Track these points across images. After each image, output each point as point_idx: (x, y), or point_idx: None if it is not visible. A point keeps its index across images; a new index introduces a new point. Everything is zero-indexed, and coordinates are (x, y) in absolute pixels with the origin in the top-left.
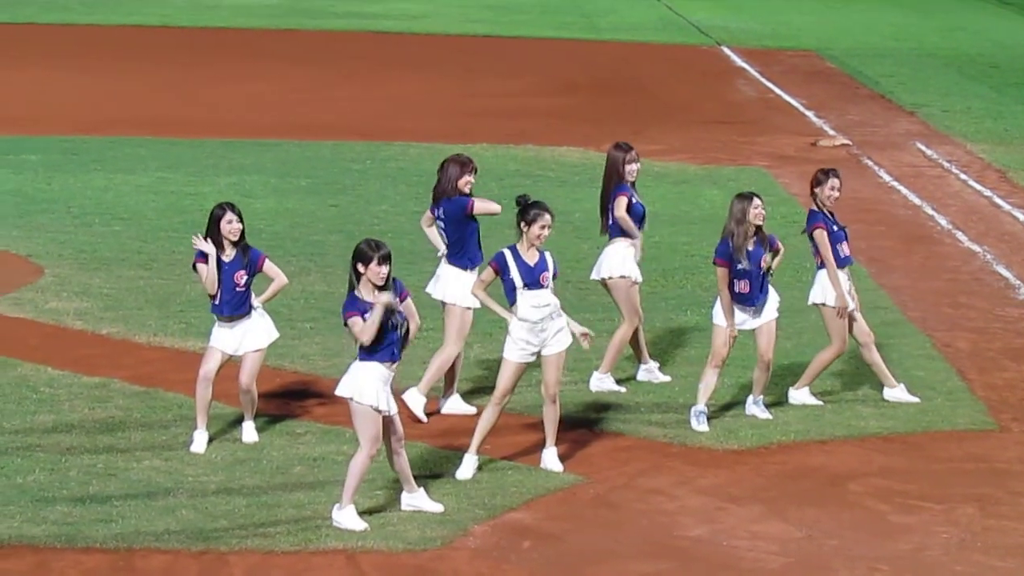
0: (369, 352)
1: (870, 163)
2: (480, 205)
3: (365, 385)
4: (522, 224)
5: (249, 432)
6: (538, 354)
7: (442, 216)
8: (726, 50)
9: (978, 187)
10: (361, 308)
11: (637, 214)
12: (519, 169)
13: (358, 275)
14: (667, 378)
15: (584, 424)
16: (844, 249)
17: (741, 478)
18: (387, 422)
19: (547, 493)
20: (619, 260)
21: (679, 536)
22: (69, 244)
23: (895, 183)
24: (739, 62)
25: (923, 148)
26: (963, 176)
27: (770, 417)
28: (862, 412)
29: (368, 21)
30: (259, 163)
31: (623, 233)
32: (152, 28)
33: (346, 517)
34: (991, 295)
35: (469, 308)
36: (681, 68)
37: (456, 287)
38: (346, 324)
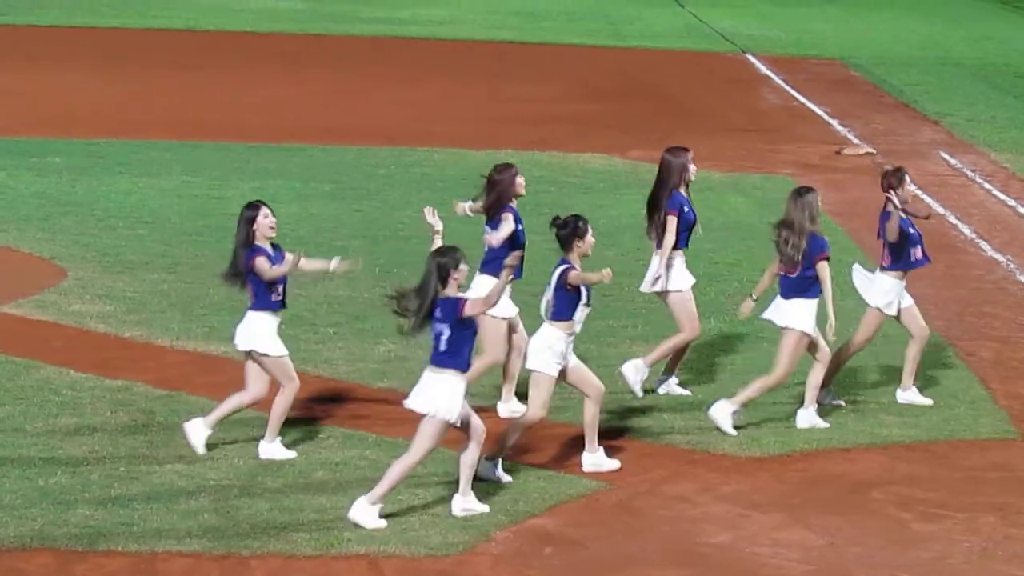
0: (447, 359)
1: None
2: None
3: (449, 400)
4: (576, 240)
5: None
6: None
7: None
8: (751, 58)
9: (1002, 196)
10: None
11: (688, 221)
12: (544, 175)
13: None
14: (686, 392)
15: (607, 431)
16: (915, 252)
17: (764, 485)
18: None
19: (570, 499)
20: (676, 272)
21: (702, 543)
22: (93, 247)
23: (919, 192)
24: (764, 70)
25: (947, 157)
26: (987, 185)
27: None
28: (885, 420)
29: (394, 27)
30: (283, 168)
31: (676, 244)
32: (178, 32)
33: (363, 512)
34: (1015, 304)
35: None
36: (706, 75)
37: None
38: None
